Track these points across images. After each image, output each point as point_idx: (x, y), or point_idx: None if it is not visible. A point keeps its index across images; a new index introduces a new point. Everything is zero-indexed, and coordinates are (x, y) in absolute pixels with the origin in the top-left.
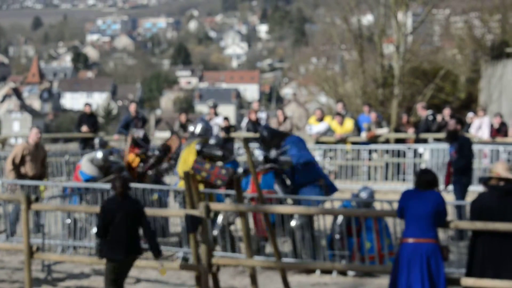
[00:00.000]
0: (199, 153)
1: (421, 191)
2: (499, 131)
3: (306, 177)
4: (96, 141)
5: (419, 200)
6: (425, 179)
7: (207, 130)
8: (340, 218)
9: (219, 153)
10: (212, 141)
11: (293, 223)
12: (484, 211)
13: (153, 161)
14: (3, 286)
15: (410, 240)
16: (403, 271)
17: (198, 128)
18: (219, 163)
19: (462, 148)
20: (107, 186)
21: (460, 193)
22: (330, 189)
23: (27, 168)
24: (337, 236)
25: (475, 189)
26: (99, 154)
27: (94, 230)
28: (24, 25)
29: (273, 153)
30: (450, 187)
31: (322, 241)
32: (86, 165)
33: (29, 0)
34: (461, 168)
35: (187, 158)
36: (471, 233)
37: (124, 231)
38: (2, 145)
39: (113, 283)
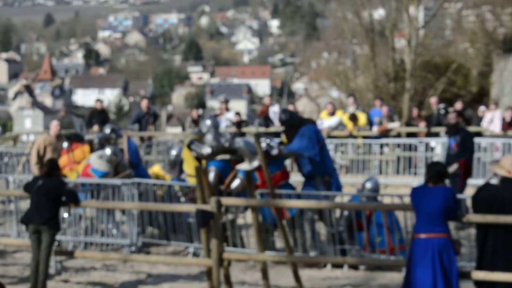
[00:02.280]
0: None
1: (430, 187)
2: (511, 124)
3: (311, 171)
4: (96, 140)
5: (429, 197)
6: (436, 170)
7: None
8: (345, 212)
9: (205, 151)
10: (209, 137)
11: (309, 215)
12: (496, 203)
13: None
14: (15, 282)
15: (422, 236)
16: (416, 267)
17: (204, 127)
18: None
19: (465, 141)
20: (118, 181)
21: (460, 186)
22: (332, 187)
23: None
24: (341, 228)
25: (474, 183)
26: (108, 150)
27: (109, 226)
28: (36, 22)
29: (275, 151)
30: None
31: (332, 236)
32: (97, 162)
33: None
34: (466, 160)
35: (186, 155)
36: (477, 225)
37: (35, 203)
38: (14, 142)
39: (34, 243)
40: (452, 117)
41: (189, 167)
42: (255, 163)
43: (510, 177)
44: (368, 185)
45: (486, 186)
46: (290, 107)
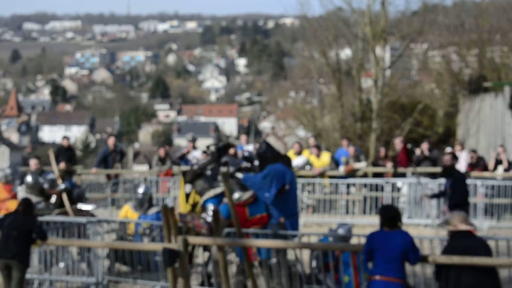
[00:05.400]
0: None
1: (387, 232)
2: (477, 165)
3: (271, 210)
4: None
5: (387, 241)
6: (388, 215)
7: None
8: (315, 252)
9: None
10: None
11: (273, 260)
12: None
13: None
14: None
15: (378, 278)
16: None
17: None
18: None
19: (456, 184)
20: (83, 219)
21: None
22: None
23: None
24: (315, 271)
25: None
26: (29, 178)
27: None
28: (3, 58)
29: (231, 168)
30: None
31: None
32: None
33: (7, 33)
34: (456, 204)
35: (180, 195)
36: (437, 269)
37: (4, 237)
38: None
39: (5, 280)
40: (447, 159)
41: (181, 203)
42: (237, 196)
43: (457, 230)
44: (341, 231)
45: (449, 245)
46: (257, 146)
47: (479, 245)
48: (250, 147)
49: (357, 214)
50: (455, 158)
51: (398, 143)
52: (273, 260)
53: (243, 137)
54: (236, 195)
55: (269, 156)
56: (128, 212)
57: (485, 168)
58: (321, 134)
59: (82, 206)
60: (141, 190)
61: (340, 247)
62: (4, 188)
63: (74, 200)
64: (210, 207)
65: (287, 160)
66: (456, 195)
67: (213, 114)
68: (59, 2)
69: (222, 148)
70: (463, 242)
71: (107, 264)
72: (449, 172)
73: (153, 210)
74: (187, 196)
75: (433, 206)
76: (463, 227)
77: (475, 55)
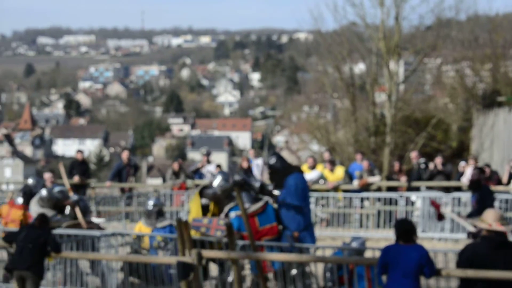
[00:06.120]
0: (201, 195)
1: (402, 245)
2: (490, 179)
3: (285, 222)
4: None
5: (402, 255)
6: (403, 229)
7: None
8: (329, 265)
9: (216, 190)
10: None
11: (293, 271)
12: (475, 262)
13: None
14: None
15: None
16: None
17: (216, 182)
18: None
19: (484, 199)
20: (97, 232)
21: None
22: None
23: None
24: (329, 284)
25: (456, 237)
26: (44, 192)
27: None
28: (17, 72)
29: (270, 186)
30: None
31: None
32: (34, 210)
33: (21, 47)
34: None
35: (191, 208)
36: (460, 283)
37: (19, 249)
38: None
39: None
40: (474, 174)
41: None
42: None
43: (491, 231)
44: (355, 244)
45: (468, 246)
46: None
47: (502, 259)
48: (259, 161)
49: (371, 228)
50: (482, 172)
51: (413, 157)
52: (294, 272)
53: (251, 151)
54: (245, 205)
55: (281, 167)
56: (141, 228)
57: (498, 182)
58: (335, 148)
59: (94, 220)
60: (151, 202)
61: (354, 260)
62: (14, 207)
63: (83, 213)
64: (232, 214)
65: (298, 171)
66: (483, 210)
67: (227, 128)
68: (73, 16)
69: (243, 184)
70: (486, 249)
71: (121, 277)
72: (475, 186)
73: (164, 223)
74: (203, 208)
75: (447, 220)
76: (498, 227)
77: (489, 69)
